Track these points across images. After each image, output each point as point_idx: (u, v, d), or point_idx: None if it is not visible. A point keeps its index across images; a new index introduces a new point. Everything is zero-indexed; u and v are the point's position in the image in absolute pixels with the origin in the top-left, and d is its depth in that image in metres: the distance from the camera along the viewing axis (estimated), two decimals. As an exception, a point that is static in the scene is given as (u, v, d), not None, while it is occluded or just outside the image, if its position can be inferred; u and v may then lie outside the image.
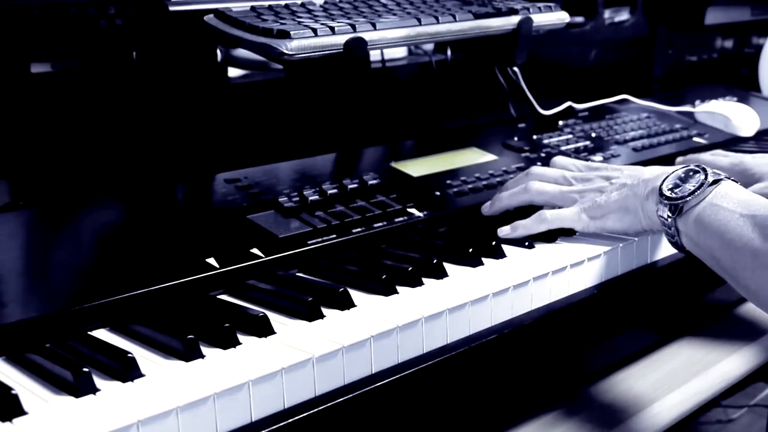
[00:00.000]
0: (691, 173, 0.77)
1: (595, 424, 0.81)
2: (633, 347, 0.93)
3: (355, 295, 0.73)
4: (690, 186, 0.76)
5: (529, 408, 0.81)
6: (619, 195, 0.83)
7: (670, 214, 0.76)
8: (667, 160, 1.18)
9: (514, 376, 0.78)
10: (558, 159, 0.96)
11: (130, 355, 0.60)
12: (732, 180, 0.76)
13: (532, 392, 0.82)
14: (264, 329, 0.66)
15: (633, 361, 0.92)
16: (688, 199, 0.75)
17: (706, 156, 1.03)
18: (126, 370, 0.59)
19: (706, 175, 0.76)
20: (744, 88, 1.58)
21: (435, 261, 0.78)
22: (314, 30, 0.90)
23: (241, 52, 1.07)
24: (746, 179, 0.95)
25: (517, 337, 0.74)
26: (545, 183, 0.89)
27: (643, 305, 0.91)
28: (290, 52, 0.88)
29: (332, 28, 0.92)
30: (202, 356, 0.62)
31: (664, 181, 0.78)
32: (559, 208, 0.87)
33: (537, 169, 0.93)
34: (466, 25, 1.05)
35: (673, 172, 0.79)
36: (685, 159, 1.08)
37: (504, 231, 0.87)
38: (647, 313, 0.93)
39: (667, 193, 0.77)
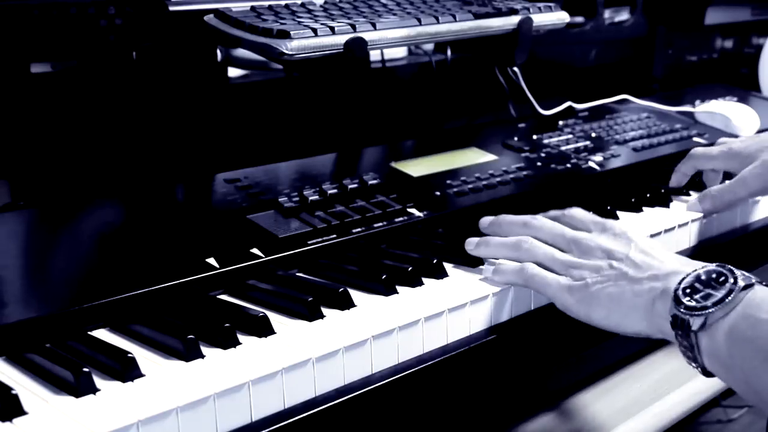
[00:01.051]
0: (715, 275, 0.64)
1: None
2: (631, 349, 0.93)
3: (355, 295, 0.73)
4: (716, 293, 0.63)
5: (529, 408, 0.81)
6: (614, 288, 0.70)
7: (691, 327, 0.63)
8: (667, 160, 1.18)
9: (514, 377, 0.78)
10: (574, 211, 0.81)
11: (130, 355, 0.60)
12: (763, 284, 0.64)
13: (533, 392, 0.82)
14: (264, 329, 0.66)
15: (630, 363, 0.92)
16: (712, 310, 0.62)
17: (699, 149, 1.01)
18: (126, 370, 0.59)
19: (735, 279, 0.63)
20: (744, 88, 1.58)
21: (435, 261, 0.78)
22: (314, 30, 0.90)
23: (241, 52, 1.07)
24: (738, 164, 0.93)
25: (518, 336, 0.74)
26: (539, 243, 0.78)
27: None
28: (290, 52, 0.88)
29: (332, 28, 0.92)
30: (202, 356, 0.62)
31: (680, 283, 0.65)
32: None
33: (540, 221, 0.80)
34: (466, 25, 1.05)
35: (692, 273, 0.66)
36: (689, 155, 1.02)
37: (486, 271, 0.77)
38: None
39: (686, 301, 0.64)
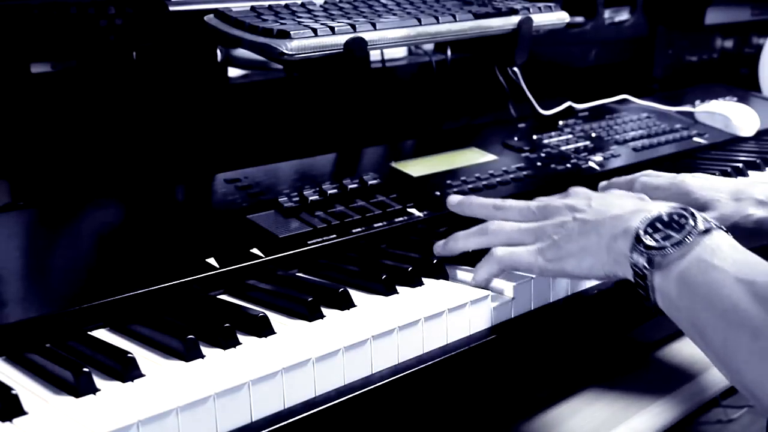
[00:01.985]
0: (676, 217, 0.65)
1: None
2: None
3: (355, 295, 0.73)
4: (675, 234, 0.63)
5: (529, 408, 0.81)
6: (579, 235, 0.71)
7: (646, 266, 0.64)
8: (667, 160, 1.18)
9: (515, 376, 0.78)
10: (542, 198, 0.82)
11: (130, 355, 0.60)
12: (724, 230, 0.64)
13: (533, 392, 0.82)
14: (264, 329, 0.66)
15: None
16: (670, 251, 0.63)
17: (644, 179, 0.90)
18: (126, 370, 0.59)
19: (695, 222, 0.63)
20: (744, 88, 1.58)
21: (435, 261, 0.78)
22: (314, 30, 0.90)
23: (241, 52, 1.07)
24: (688, 204, 0.85)
25: (518, 336, 0.74)
26: (503, 222, 0.78)
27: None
28: (290, 52, 0.88)
29: (332, 28, 0.92)
30: (202, 356, 0.62)
31: (642, 222, 0.66)
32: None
33: (509, 201, 0.81)
34: (466, 25, 1.05)
35: (654, 213, 0.66)
36: (609, 183, 0.93)
37: (477, 277, 0.75)
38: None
39: (646, 240, 0.64)
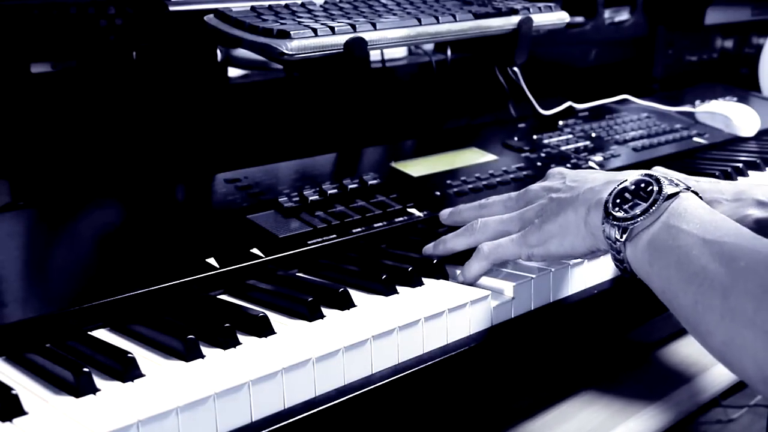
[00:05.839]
0: (642, 185, 0.65)
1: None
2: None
3: (355, 295, 0.73)
4: (641, 202, 0.64)
5: (529, 408, 0.81)
6: (557, 214, 0.72)
7: (618, 237, 0.65)
8: (667, 160, 1.18)
9: (514, 376, 0.78)
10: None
11: (130, 355, 0.60)
12: (692, 191, 0.65)
13: (533, 392, 0.82)
14: (264, 329, 0.66)
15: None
16: (638, 220, 0.63)
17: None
18: (126, 370, 0.59)
19: (660, 188, 0.64)
20: (744, 88, 1.58)
21: (435, 261, 0.78)
22: (314, 30, 0.90)
23: (241, 52, 1.07)
24: None
25: (518, 336, 0.74)
26: (486, 219, 0.79)
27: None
28: (290, 52, 0.88)
29: (332, 28, 0.92)
30: (202, 356, 0.62)
31: (610, 194, 0.67)
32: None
33: (492, 198, 0.83)
34: (466, 25, 1.05)
35: (621, 183, 0.67)
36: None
37: (467, 274, 0.75)
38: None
39: (614, 212, 0.65)
